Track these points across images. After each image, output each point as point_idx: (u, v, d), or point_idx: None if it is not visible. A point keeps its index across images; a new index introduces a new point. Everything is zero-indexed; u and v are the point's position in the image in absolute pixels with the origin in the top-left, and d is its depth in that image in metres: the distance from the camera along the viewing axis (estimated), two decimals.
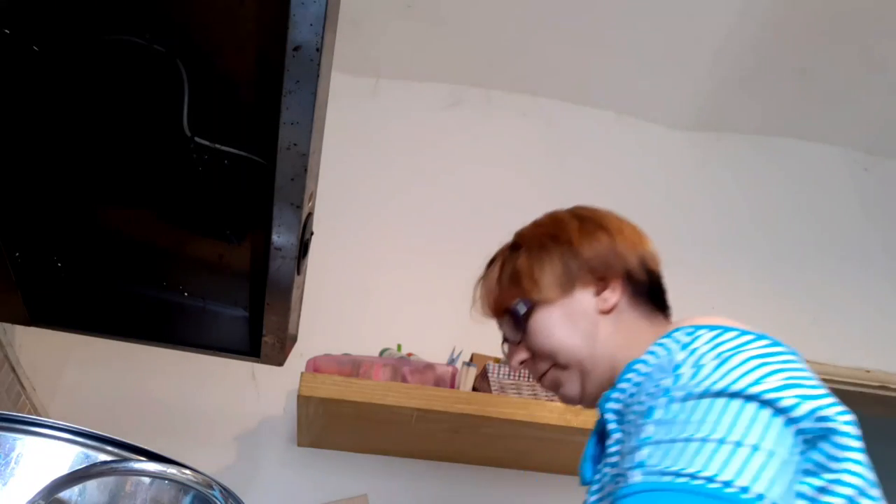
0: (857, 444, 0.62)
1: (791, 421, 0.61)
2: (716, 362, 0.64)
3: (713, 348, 0.66)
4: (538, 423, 1.36)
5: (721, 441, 0.59)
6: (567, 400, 0.90)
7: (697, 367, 0.64)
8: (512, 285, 0.91)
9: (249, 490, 1.53)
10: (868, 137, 2.26)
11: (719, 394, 0.61)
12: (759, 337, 0.68)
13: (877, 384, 1.96)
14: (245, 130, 0.83)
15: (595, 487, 0.74)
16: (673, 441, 0.60)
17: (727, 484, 0.57)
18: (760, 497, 0.56)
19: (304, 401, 1.33)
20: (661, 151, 2.21)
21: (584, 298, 0.87)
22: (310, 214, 0.89)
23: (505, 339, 0.95)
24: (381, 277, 1.81)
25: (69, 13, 0.74)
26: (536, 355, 0.90)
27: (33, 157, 0.88)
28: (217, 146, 0.83)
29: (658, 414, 0.63)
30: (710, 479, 0.57)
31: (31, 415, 0.88)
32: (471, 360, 1.55)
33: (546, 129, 2.15)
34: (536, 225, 0.97)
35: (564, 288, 0.87)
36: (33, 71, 0.77)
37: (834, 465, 0.61)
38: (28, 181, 0.90)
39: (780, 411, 0.61)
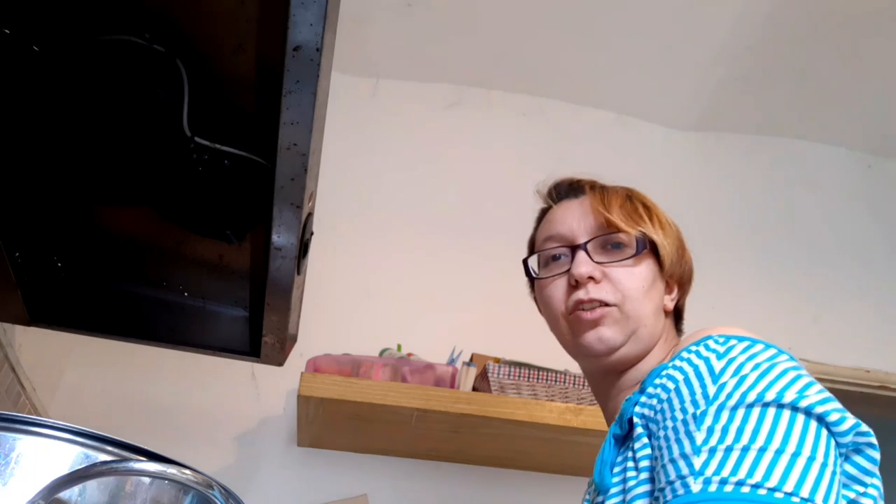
0: (878, 458, 0.65)
1: (834, 434, 0.63)
2: (756, 373, 0.65)
3: (749, 358, 0.67)
4: (538, 423, 1.36)
5: (779, 451, 0.60)
6: (601, 341, 0.82)
7: (740, 377, 0.65)
8: (638, 215, 0.87)
9: (249, 490, 1.53)
10: (868, 137, 2.25)
11: (768, 404, 0.62)
12: (781, 351, 0.69)
13: (877, 384, 1.96)
14: (245, 130, 0.83)
15: (616, 490, 0.73)
16: (729, 449, 0.61)
17: (791, 495, 0.58)
18: None
19: (304, 401, 1.33)
20: (661, 151, 2.21)
21: (663, 290, 0.90)
22: (310, 214, 0.89)
23: (573, 247, 0.87)
24: (381, 277, 1.81)
25: (69, 13, 0.74)
26: (606, 284, 0.84)
27: (33, 157, 0.88)
28: (217, 146, 0.83)
29: (708, 421, 0.63)
30: (773, 490, 0.58)
31: (31, 415, 0.88)
32: (471, 360, 1.55)
33: (546, 129, 2.15)
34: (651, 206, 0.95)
35: (670, 268, 0.89)
36: (33, 71, 0.78)
37: (866, 479, 0.64)
38: (28, 181, 0.91)
39: (825, 424, 0.63)
